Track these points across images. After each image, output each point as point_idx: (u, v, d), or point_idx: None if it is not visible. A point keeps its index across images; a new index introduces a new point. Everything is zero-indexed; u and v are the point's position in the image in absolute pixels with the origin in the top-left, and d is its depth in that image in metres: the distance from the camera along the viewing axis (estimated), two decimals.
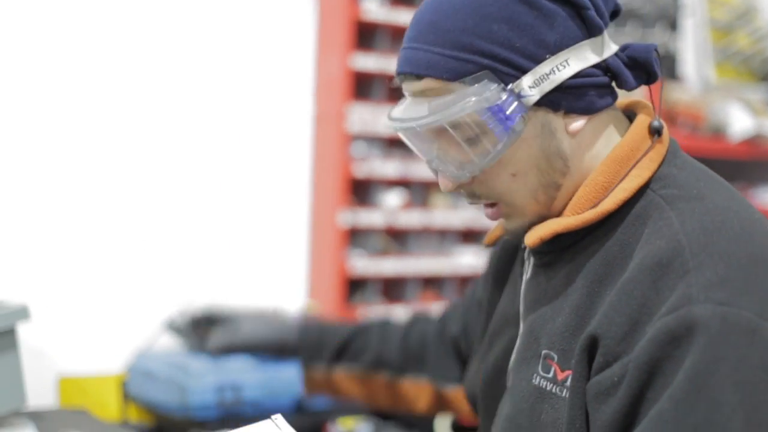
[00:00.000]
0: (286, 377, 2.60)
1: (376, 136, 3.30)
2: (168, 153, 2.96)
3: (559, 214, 1.32)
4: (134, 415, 2.70)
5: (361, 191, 3.35)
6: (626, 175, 1.28)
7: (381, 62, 3.24)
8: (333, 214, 3.16)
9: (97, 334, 2.81)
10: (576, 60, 1.27)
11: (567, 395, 1.23)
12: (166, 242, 2.96)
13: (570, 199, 1.31)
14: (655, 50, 1.30)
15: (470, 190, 1.34)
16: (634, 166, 1.28)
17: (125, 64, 2.88)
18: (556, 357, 1.27)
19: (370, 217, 3.22)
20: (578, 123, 1.29)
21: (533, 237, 1.31)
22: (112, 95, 2.85)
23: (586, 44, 1.29)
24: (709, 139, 3.93)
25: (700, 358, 1.09)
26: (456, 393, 1.85)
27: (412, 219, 3.30)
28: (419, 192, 3.43)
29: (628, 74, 1.30)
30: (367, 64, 3.20)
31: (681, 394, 1.09)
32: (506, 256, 1.53)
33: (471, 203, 1.37)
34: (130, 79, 2.88)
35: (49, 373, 2.69)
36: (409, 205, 3.38)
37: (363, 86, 3.31)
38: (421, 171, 3.33)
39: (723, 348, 1.09)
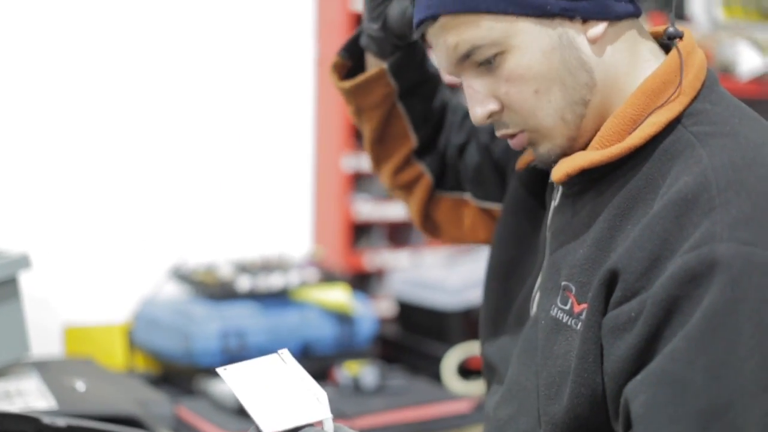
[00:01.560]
0: (290, 322, 2.61)
1: None
2: (170, 100, 2.95)
3: (588, 139, 1.30)
4: (140, 363, 2.71)
5: None
6: (656, 109, 1.24)
7: None
8: (337, 159, 3.14)
9: (102, 283, 2.81)
10: None
11: (581, 328, 1.21)
12: (170, 190, 2.95)
13: (599, 119, 1.28)
14: None
15: (499, 119, 1.30)
16: (667, 101, 1.24)
17: (133, 27, 2.85)
18: (574, 289, 1.25)
19: None
20: (598, 28, 1.25)
21: (559, 172, 1.29)
22: (127, 51, 2.83)
23: None
24: None
25: (719, 297, 1.06)
26: (417, 189, 1.74)
27: None
28: None
29: None
30: None
31: (696, 333, 1.07)
32: (535, 182, 1.50)
33: (500, 136, 1.33)
34: (140, 35, 2.86)
35: (55, 323, 2.69)
36: None
37: None
38: None
39: (744, 289, 1.06)
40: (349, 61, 1.66)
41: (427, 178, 1.70)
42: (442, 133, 1.71)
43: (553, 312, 1.28)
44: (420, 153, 1.70)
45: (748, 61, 3.99)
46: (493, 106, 1.29)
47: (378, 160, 1.73)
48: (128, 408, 1.88)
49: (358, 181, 3.23)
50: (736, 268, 1.07)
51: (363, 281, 3.27)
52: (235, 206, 3.08)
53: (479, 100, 1.30)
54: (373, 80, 1.61)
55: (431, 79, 1.67)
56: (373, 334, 2.77)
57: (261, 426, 1.12)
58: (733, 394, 1.05)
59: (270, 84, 3.14)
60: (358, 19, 3.17)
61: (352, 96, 1.64)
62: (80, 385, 1.97)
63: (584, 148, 1.31)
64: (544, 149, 1.30)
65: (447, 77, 1.55)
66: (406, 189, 1.73)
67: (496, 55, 1.25)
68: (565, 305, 1.26)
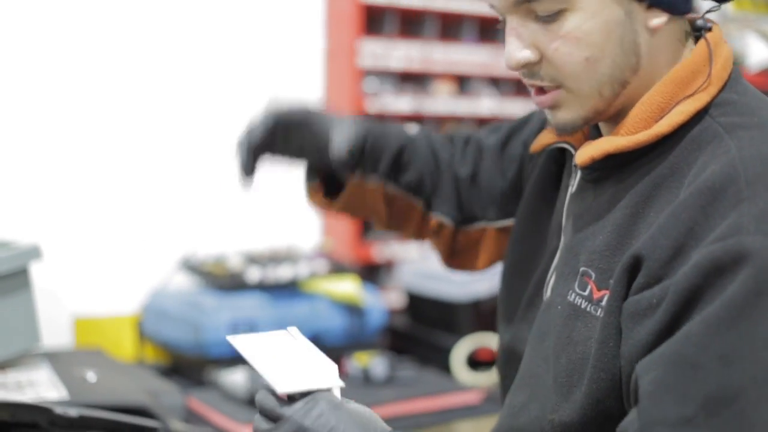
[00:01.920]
0: (300, 313, 2.61)
1: (389, 71, 3.27)
2: (179, 94, 2.95)
3: (610, 114, 1.29)
4: (150, 354, 2.72)
5: None
6: (684, 98, 1.24)
7: None
8: None
9: (112, 274, 2.81)
10: None
11: (601, 314, 1.21)
12: (180, 181, 2.95)
13: (628, 101, 1.27)
14: None
15: (535, 71, 1.27)
16: (696, 91, 1.24)
17: (145, 21, 2.86)
18: (593, 275, 1.25)
19: None
20: (660, 19, 1.24)
21: (584, 156, 1.28)
22: (136, 45, 2.84)
23: None
24: None
25: (741, 288, 1.07)
26: (442, 233, 1.73)
27: None
28: (433, 127, 3.41)
29: None
30: None
31: (714, 319, 1.07)
32: (552, 166, 1.49)
33: (530, 85, 1.30)
34: (151, 28, 2.87)
35: (64, 314, 2.70)
36: None
37: (374, 21, 3.28)
38: (434, 106, 3.31)
39: (767, 281, 1.07)
40: (318, 179, 1.69)
41: (448, 224, 1.70)
42: (442, 176, 1.70)
43: (571, 297, 1.28)
44: (432, 207, 1.70)
45: (756, 53, 3.99)
46: (532, 56, 1.26)
47: (397, 231, 1.76)
48: (139, 398, 1.89)
49: None
50: (762, 261, 1.07)
51: (372, 273, 3.27)
52: (244, 197, 3.08)
53: (520, 46, 1.26)
54: (356, 190, 1.64)
55: (405, 143, 1.67)
56: (383, 325, 2.77)
57: (274, 386, 1.14)
58: (744, 383, 1.05)
59: (280, 75, 3.14)
60: (367, 11, 3.18)
61: (346, 210, 1.69)
62: (91, 376, 1.98)
63: (611, 117, 1.31)
64: (569, 115, 1.29)
65: None
66: (432, 237, 1.74)
67: (559, 11, 1.22)
68: (584, 291, 1.26)
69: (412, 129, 1.74)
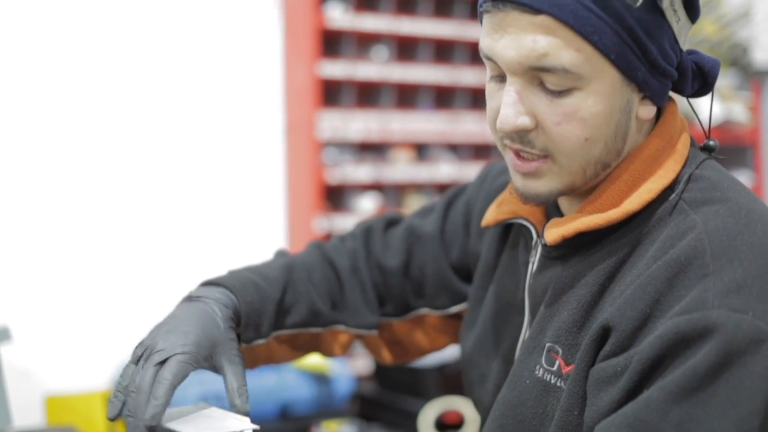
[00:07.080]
0: (268, 384, 2.63)
1: (347, 141, 3.33)
2: (143, 168, 2.99)
3: (583, 192, 1.30)
4: (122, 431, 2.72)
5: (335, 197, 3.38)
6: (651, 175, 1.25)
7: (348, 69, 3.27)
8: (308, 221, 3.19)
9: (81, 351, 2.83)
10: (681, 39, 1.25)
11: (568, 385, 1.23)
12: (146, 257, 2.98)
13: (602, 181, 1.28)
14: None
15: (526, 138, 1.23)
16: (663, 168, 1.26)
17: (93, 92, 2.90)
18: (560, 351, 1.26)
19: (345, 222, 3.25)
20: (651, 110, 1.25)
21: (555, 235, 1.28)
22: (87, 116, 2.88)
23: (688, 28, 1.27)
24: None
25: (704, 360, 1.09)
26: (371, 337, 1.61)
27: None
28: (393, 195, 3.46)
29: (690, 78, 1.28)
30: (334, 71, 3.23)
31: (674, 387, 1.10)
32: (504, 241, 1.48)
33: (513, 149, 1.25)
34: (105, 96, 2.91)
35: (35, 393, 2.70)
36: (384, 208, 3.42)
37: (331, 93, 3.34)
38: (393, 173, 3.37)
39: (729, 355, 1.09)
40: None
41: (365, 334, 1.60)
42: (346, 287, 1.59)
43: (539, 373, 1.29)
44: (340, 323, 1.57)
45: (708, 109, 4.06)
46: (528, 123, 1.23)
47: (320, 354, 1.62)
48: None
49: None
50: (725, 335, 1.10)
51: None
52: (210, 268, 3.10)
53: (519, 111, 1.22)
54: (248, 353, 1.47)
55: (283, 290, 1.52)
56: (351, 392, 2.78)
57: None
58: None
59: (241, 150, 3.19)
60: (325, 84, 3.24)
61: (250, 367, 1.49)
62: None
63: (583, 192, 1.31)
64: (546, 187, 1.27)
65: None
66: (365, 343, 1.64)
67: (571, 88, 1.21)
68: (552, 366, 1.27)
69: (291, 257, 1.60)
